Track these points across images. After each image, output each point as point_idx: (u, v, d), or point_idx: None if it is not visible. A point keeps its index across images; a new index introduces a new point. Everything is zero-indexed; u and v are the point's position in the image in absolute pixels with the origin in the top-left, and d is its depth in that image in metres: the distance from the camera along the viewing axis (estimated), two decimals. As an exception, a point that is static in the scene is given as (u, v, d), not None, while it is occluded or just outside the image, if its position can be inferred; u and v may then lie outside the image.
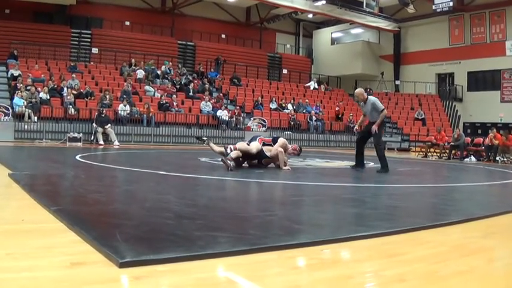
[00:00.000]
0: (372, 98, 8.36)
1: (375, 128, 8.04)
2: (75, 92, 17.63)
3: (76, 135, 15.67)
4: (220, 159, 7.36)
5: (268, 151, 7.73)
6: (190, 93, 21.23)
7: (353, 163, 8.88)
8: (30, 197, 3.91)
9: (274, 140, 7.90)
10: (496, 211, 4.13)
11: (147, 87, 20.29)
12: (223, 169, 6.98)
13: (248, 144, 7.63)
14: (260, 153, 7.70)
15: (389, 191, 5.88)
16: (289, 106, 23.43)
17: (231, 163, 7.00)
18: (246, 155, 7.59)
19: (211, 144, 7.87)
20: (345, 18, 26.61)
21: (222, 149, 7.50)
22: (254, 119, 20.88)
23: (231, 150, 7.23)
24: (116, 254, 2.17)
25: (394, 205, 4.55)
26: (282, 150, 7.73)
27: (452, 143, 15.69)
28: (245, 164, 7.73)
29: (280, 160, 7.68)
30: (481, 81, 25.92)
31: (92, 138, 16.10)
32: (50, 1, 22.25)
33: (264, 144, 7.74)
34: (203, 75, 24.39)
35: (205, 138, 8.10)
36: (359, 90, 8.63)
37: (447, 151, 15.97)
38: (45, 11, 23.10)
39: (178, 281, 1.98)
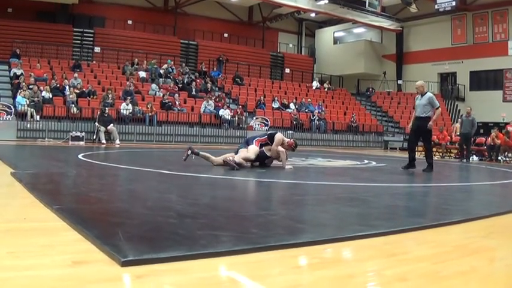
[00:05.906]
0: (430, 93, 8.58)
1: (431, 124, 8.26)
2: (77, 91, 17.65)
3: (78, 134, 15.68)
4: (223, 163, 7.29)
5: (268, 151, 7.71)
6: (193, 92, 21.25)
7: (357, 162, 8.88)
8: (32, 196, 3.91)
9: (270, 137, 7.78)
10: (498, 211, 4.12)
11: (153, 86, 20.30)
12: (228, 168, 6.99)
13: (246, 149, 7.58)
14: (260, 155, 7.68)
15: (391, 190, 5.87)
16: (292, 105, 23.42)
17: (234, 163, 7.03)
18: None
19: (203, 153, 7.49)
20: (347, 17, 26.59)
21: (221, 160, 7.34)
22: (256, 118, 20.88)
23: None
24: (118, 253, 2.17)
25: (396, 204, 4.55)
26: (283, 150, 7.71)
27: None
28: (247, 164, 7.71)
29: (282, 159, 7.68)
30: (483, 80, 25.87)
31: (94, 137, 16.12)
32: (53, 0, 22.29)
33: (261, 146, 7.68)
34: (205, 74, 24.40)
35: (196, 151, 7.46)
36: (421, 82, 8.76)
37: (449, 151, 15.95)
38: (47, 10, 23.13)
39: (180, 280, 1.98)
